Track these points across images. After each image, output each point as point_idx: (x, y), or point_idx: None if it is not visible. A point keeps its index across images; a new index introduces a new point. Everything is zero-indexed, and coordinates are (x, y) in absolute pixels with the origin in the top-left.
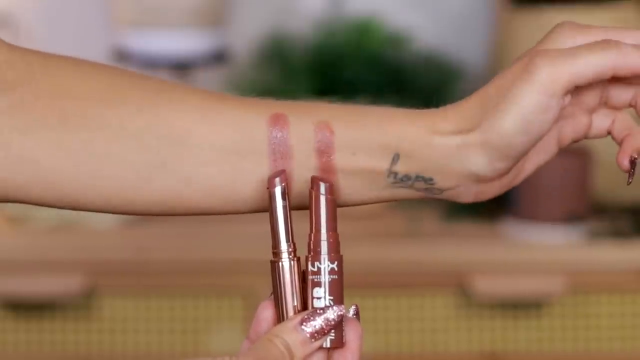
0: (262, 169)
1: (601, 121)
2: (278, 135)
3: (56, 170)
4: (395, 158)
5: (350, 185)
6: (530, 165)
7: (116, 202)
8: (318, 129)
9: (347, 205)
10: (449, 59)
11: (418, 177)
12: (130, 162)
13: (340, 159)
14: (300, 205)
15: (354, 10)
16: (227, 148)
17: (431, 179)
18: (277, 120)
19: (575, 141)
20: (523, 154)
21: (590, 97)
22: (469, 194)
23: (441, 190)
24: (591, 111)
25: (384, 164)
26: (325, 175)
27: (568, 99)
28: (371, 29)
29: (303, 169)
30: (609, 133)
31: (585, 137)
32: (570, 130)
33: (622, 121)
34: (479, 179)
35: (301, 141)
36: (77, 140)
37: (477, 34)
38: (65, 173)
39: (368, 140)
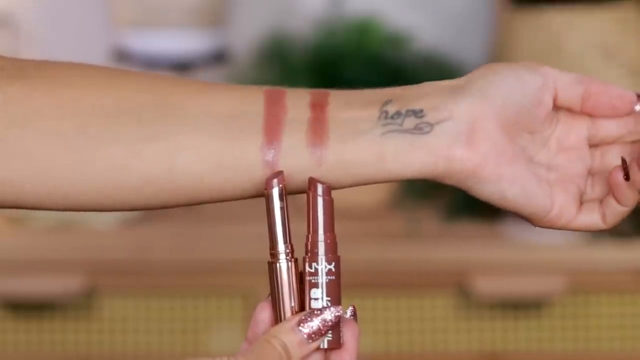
0: (255, 126)
1: (589, 216)
2: (274, 99)
3: (47, 159)
4: (387, 102)
5: (341, 134)
6: (517, 185)
7: (106, 190)
8: (313, 92)
9: (337, 186)
10: (449, 59)
11: (408, 112)
12: (123, 139)
13: (333, 110)
14: (291, 188)
15: (354, 10)
16: (223, 113)
17: (421, 110)
18: (274, 91)
19: (558, 225)
20: (507, 98)
21: (575, 167)
22: (459, 137)
23: (431, 125)
24: (578, 183)
25: (375, 108)
26: (317, 123)
27: (549, 107)
28: (371, 29)
29: (295, 121)
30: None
31: (570, 223)
32: (562, 194)
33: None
34: (470, 111)
35: (296, 100)
36: (73, 125)
37: (477, 34)
38: (56, 162)
39: (362, 96)
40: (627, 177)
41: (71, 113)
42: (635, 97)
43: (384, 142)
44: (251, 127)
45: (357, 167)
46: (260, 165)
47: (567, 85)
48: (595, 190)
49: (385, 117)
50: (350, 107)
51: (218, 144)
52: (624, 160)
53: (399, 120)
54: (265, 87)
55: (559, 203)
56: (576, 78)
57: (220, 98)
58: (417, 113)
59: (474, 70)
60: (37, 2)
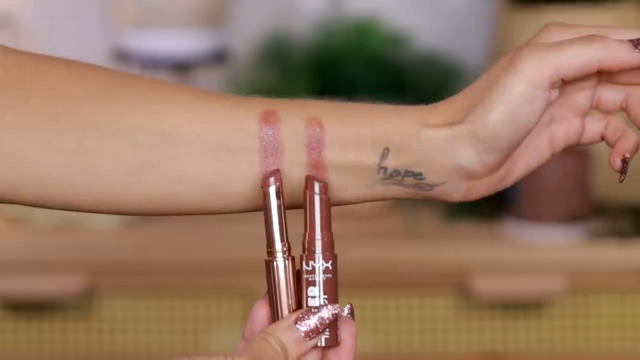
0: (252, 165)
1: (594, 126)
2: (269, 132)
3: (48, 169)
4: (385, 152)
5: (341, 181)
6: (520, 167)
7: (108, 201)
8: (309, 124)
9: (339, 204)
10: (449, 59)
11: (407, 172)
12: (122, 160)
13: (331, 154)
14: (290, 204)
15: (354, 10)
16: (218, 145)
17: (420, 174)
18: (268, 118)
19: (569, 146)
20: (510, 148)
21: (581, 99)
22: (458, 191)
23: (431, 186)
24: (583, 114)
25: (373, 159)
26: (315, 171)
27: (555, 93)
28: (371, 29)
29: (293, 165)
30: (602, 138)
31: (579, 142)
32: (563, 133)
33: (615, 125)
34: (468, 174)
35: (292, 137)
36: (68, 139)
37: (477, 33)
38: (57, 172)
39: (358, 135)
40: (623, 179)
41: (66, 126)
42: None
43: (384, 191)
44: (248, 163)
45: (357, 201)
46: (262, 198)
47: (576, 74)
48: (600, 103)
49: (384, 174)
50: (346, 152)
51: (216, 178)
52: (624, 161)
53: (398, 178)
54: (258, 108)
55: (560, 148)
56: (587, 63)
57: (213, 122)
58: (417, 175)
59: (470, 95)
60: (37, 2)
